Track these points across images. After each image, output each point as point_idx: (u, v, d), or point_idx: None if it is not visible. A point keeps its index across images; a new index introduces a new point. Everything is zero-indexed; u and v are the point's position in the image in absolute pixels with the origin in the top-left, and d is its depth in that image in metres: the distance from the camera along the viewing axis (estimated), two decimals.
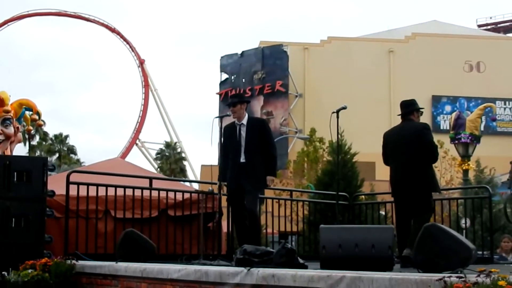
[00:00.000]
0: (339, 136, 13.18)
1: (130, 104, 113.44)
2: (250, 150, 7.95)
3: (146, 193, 8.79)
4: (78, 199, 8.07)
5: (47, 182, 7.81)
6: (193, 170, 52.40)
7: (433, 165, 7.48)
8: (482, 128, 37.25)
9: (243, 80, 46.36)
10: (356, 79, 45.09)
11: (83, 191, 8.21)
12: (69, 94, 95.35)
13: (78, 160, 49.41)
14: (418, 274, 4.75)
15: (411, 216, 7.24)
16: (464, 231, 12.26)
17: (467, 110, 38.92)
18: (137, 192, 8.67)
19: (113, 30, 55.28)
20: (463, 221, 12.22)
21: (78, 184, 8.11)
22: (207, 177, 9.32)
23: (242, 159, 7.94)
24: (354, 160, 14.61)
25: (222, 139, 8.22)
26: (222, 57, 48.36)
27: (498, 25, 63.26)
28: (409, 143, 7.36)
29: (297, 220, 11.83)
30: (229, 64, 47.61)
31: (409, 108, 7.60)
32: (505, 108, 46.93)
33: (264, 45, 46.76)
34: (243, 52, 47.27)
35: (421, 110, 7.72)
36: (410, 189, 7.29)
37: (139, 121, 53.52)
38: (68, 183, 7.98)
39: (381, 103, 45.02)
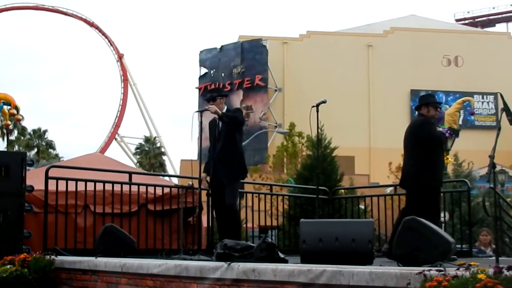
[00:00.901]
0: (319, 130, 13.25)
1: (109, 99, 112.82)
2: (227, 143, 7.96)
3: (126, 187, 8.74)
4: (57, 194, 8.00)
5: (26, 177, 7.74)
6: (173, 165, 52.35)
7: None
8: (460, 122, 37.62)
9: (222, 74, 46.29)
10: (335, 74, 45.25)
11: (62, 186, 8.14)
12: (48, 89, 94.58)
13: (56, 155, 49.08)
14: (398, 267, 4.78)
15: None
16: (443, 224, 12.34)
17: (445, 104, 39.18)
18: (117, 187, 8.62)
19: (91, 24, 54.90)
20: (442, 214, 12.29)
21: (57, 179, 8.04)
22: (187, 171, 9.29)
23: (219, 154, 7.96)
24: (333, 154, 14.64)
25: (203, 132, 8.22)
26: (201, 51, 48.25)
27: (476, 20, 63.77)
28: (407, 138, 7.59)
29: (277, 215, 11.84)
30: (208, 58, 47.50)
31: (418, 102, 7.78)
32: (483, 102, 47.36)
33: (243, 39, 46.72)
34: (222, 46, 47.19)
35: (432, 104, 7.76)
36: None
37: (118, 115, 53.28)
38: (47, 178, 7.90)
39: (360, 97, 45.26)
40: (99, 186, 8.47)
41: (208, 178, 8.04)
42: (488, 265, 3.69)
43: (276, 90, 45.92)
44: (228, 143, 7.98)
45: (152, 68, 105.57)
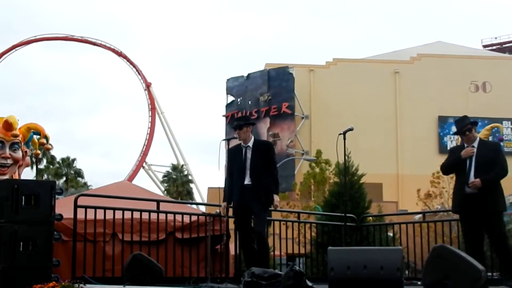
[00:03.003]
0: (347, 157, 13.23)
1: (137, 127, 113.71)
2: (256, 172, 7.99)
3: (154, 216, 8.78)
4: (85, 222, 8.07)
5: (55, 205, 7.81)
6: (200, 193, 52.41)
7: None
8: None
9: (249, 102, 46.50)
10: (362, 100, 45.19)
11: (90, 214, 8.20)
12: (76, 118, 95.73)
13: (85, 184, 49.46)
14: None
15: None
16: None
17: None
18: (145, 215, 8.66)
19: (119, 54, 55.64)
20: None
21: (86, 207, 8.12)
22: (214, 199, 9.32)
23: (248, 181, 7.99)
24: (361, 181, 14.58)
25: (227, 160, 8.25)
26: (228, 79, 48.59)
27: (504, 45, 63.37)
28: None
29: (304, 242, 11.78)
30: (235, 86, 47.81)
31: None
32: (511, 128, 46.85)
33: (270, 67, 46.97)
34: (249, 74, 47.49)
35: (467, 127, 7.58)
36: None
37: (145, 144, 53.64)
38: (76, 206, 7.99)
39: (387, 124, 45.08)
40: (127, 214, 8.52)
41: (226, 206, 8.10)
42: None
43: (303, 118, 45.98)
44: (261, 174, 8.01)
45: (179, 97, 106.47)
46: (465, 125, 7.52)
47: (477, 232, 7.33)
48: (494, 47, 62.62)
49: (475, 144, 7.52)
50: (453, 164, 7.61)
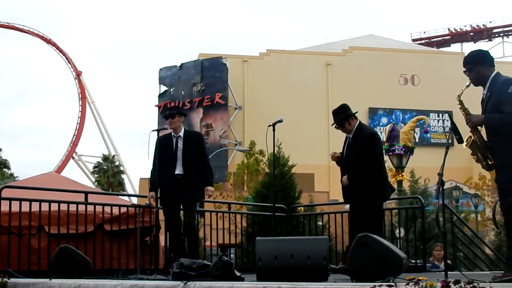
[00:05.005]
0: (277, 148, 13.32)
1: (67, 117, 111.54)
2: (188, 163, 8.00)
3: (82, 207, 8.65)
4: (10, 215, 7.88)
5: None
6: (132, 184, 51.85)
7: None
8: (417, 140, 38.22)
9: (182, 92, 46.24)
10: (295, 92, 45.59)
11: (15, 207, 8.01)
12: (3, 108, 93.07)
13: (11, 175, 48.12)
14: (352, 283, 4.85)
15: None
16: (399, 240, 12.52)
17: (402, 123, 39.94)
18: (72, 207, 8.52)
19: (48, 41, 54.29)
20: (398, 230, 12.48)
21: (10, 199, 7.92)
22: (146, 190, 9.25)
23: (179, 171, 7.98)
24: (292, 171, 14.73)
25: (155, 150, 8.19)
26: (161, 69, 48.15)
27: (432, 40, 65.07)
28: None
29: (235, 232, 11.85)
30: (168, 76, 47.43)
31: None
32: (438, 120, 48.22)
33: (203, 57, 46.81)
34: (182, 64, 47.18)
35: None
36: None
37: (75, 134, 52.64)
38: (0, 198, 7.79)
39: (319, 115, 45.64)
40: (54, 207, 8.36)
41: (153, 196, 8.06)
42: (437, 279, 3.78)
43: (236, 108, 46.05)
44: (192, 165, 8.00)
45: (111, 86, 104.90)
46: (341, 118, 7.61)
47: (356, 223, 7.50)
48: (423, 41, 64.26)
49: (351, 135, 7.61)
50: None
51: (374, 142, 7.52)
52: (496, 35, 64.55)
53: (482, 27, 64.06)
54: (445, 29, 65.76)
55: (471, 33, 64.37)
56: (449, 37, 65.47)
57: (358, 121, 7.65)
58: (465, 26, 64.79)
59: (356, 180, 7.36)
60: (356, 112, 7.71)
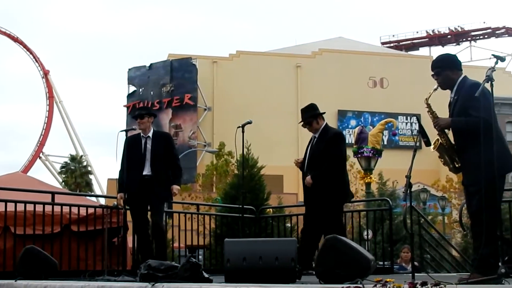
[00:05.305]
0: (246, 149, 13.32)
1: (34, 117, 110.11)
2: (156, 164, 7.96)
3: (48, 208, 8.55)
4: None
5: None
6: (100, 184, 51.40)
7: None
8: (385, 142, 38.57)
9: (151, 92, 45.97)
10: (265, 93, 45.66)
11: None
12: None
13: None
14: (319, 285, 4.87)
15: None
16: (367, 242, 12.61)
17: (370, 125, 40.25)
18: (39, 208, 8.42)
19: (15, 39, 53.56)
20: (366, 232, 12.59)
21: None
22: (114, 191, 9.18)
23: (147, 172, 7.94)
24: (261, 173, 14.74)
25: (123, 150, 8.14)
26: (130, 69, 47.78)
27: (400, 43, 65.69)
28: None
29: (204, 234, 11.81)
30: (137, 76, 47.11)
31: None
32: (406, 123, 48.71)
33: (173, 57, 46.61)
34: (151, 64, 46.90)
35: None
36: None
37: (43, 133, 52.03)
38: None
39: (289, 117, 45.73)
40: (20, 207, 8.24)
41: (122, 197, 8.01)
42: (404, 281, 3.81)
43: (205, 109, 45.94)
44: (161, 166, 7.96)
45: (79, 86, 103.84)
46: (309, 116, 7.73)
47: (314, 223, 7.56)
48: (391, 45, 64.82)
49: (317, 134, 7.70)
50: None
51: (340, 142, 7.64)
52: (464, 40, 65.43)
53: (450, 31, 64.90)
54: (414, 33, 66.47)
55: (439, 37, 65.17)
56: (417, 40, 66.17)
57: (325, 122, 7.76)
58: (433, 30, 65.56)
59: (320, 178, 7.42)
60: (324, 113, 7.80)
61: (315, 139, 7.70)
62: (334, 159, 7.48)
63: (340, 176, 7.54)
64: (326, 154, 7.44)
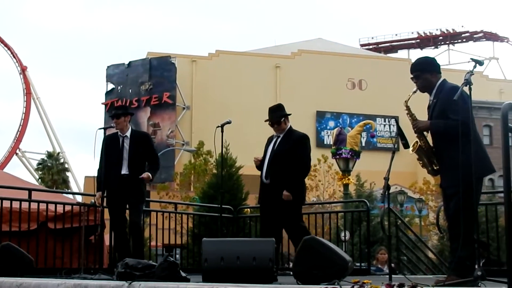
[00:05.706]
0: (225, 149, 13.31)
1: (11, 113, 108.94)
2: (134, 163, 7.92)
3: (25, 205, 8.47)
4: None
5: None
6: (77, 182, 51.08)
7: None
8: (363, 144, 38.79)
9: (130, 90, 45.72)
10: (244, 93, 45.64)
11: None
12: None
13: None
14: (297, 285, 4.88)
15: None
16: (344, 243, 12.66)
17: (349, 126, 40.41)
18: (15, 204, 8.35)
19: None
20: (343, 233, 12.62)
21: None
22: (91, 188, 9.12)
23: (125, 171, 7.89)
24: (239, 173, 14.76)
25: (102, 149, 8.09)
26: (108, 66, 47.49)
27: (379, 45, 66.05)
28: None
29: (181, 233, 11.79)
30: (116, 74, 46.83)
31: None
32: (384, 125, 48.96)
33: (152, 56, 46.40)
34: (130, 62, 46.67)
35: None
36: None
37: (19, 130, 51.55)
38: None
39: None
40: None
41: (100, 196, 7.96)
42: (381, 283, 3.83)
43: (184, 108, 45.79)
44: (138, 165, 7.93)
45: (57, 82, 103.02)
46: (279, 116, 7.72)
47: (274, 224, 7.51)
48: (371, 47, 65.15)
49: (281, 135, 7.69)
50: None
51: (307, 143, 7.68)
52: (442, 43, 65.98)
53: (428, 34, 65.39)
54: (393, 35, 66.89)
55: (418, 40, 65.65)
56: (396, 43, 66.59)
57: (290, 124, 7.76)
58: (412, 33, 66.04)
59: (291, 180, 7.37)
60: (290, 114, 7.85)
61: (279, 139, 7.71)
62: (302, 160, 7.51)
63: (303, 177, 7.60)
64: (292, 155, 7.45)
